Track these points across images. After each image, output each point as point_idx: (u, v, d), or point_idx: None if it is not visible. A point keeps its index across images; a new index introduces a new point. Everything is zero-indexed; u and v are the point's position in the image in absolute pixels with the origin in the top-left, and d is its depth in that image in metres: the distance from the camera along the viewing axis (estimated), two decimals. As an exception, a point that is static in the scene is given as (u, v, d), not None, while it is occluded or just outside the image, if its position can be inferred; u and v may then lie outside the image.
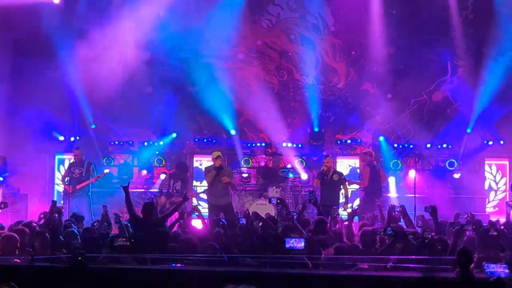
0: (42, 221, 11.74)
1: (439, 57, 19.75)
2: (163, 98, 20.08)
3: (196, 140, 20.40)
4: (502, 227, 11.65)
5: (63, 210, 12.69)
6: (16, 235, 9.81)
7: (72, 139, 19.79)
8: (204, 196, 16.68)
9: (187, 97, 20.17)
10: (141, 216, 11.26)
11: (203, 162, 19.77)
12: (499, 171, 19.72)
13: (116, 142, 20.08)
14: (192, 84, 20.34)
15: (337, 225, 11.89)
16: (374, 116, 20.03)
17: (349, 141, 20.21)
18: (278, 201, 14.03)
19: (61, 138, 19.84)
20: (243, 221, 11.48)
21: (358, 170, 18.88)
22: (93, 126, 19.87)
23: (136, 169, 19.75)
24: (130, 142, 20.07)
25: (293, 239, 8.64)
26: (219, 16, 19.61)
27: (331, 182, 15.69)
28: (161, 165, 19.34)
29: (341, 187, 15.81)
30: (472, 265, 7.92)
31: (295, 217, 12.09)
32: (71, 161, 17.38)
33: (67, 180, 16.66)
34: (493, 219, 14.16)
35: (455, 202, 17.79)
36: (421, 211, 12.75)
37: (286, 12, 20.56)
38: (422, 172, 19.53)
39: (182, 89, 20.31)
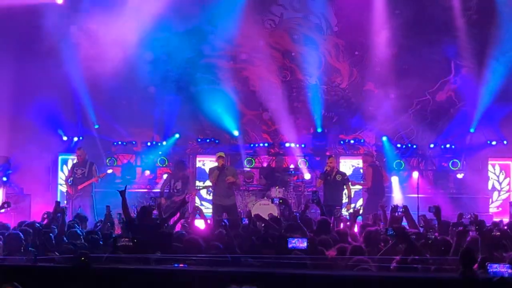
0: (45, 221, 11.76)
1: (442, 57, 19.74)
2: (166, 98, 20.09)
3: (199, 140, 20.41)
4: (506, 227, 11.63)
5: (67, 211, 12.71)
6: (21, 234, 9.84)
7: (76, 139, 19.80)
8: (207, 194, 16.69)
9: (190, 97, 20.18)
10: (137, 220, 11.22)
11: (206, 162, 19.78)
12: (503, 171, 19.70)
13: (119, 142, 20.09)
14: (195, 84, 20.36)
15: (341, 225, 11.87)
16: (377, 116, 20.01)
17: (352, 141, 20.21)
18: (281, 201, 14.05)
19: (65, 138, 19.86)
20: (246, 221, 11.49)
21: (361, 170, 18.89)
22: (96, 126, 19.89)
23: (139, 169, 19.77)
24: (133, 142, 20.09)
25: (296, 239, 8.63)
26: (222, 16, 19.61)
27: (334, 182, 15.71)
28: (164, 166, 19.35)
29: (344, 187, 15.84)
30: (476, 265, 7.91)
31: (298, 217, 12.08)
32: (74, 161, 17.41)
33: (71, 181, 16.70)
34: (497, 219, 14.17)
35: (458, 202, 17.79)
36: (425, 211, 12.74)
37: (289, 12, 20.56)
38: (425, 172, 19.54)
39: (185, 89, 20.32)
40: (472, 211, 13.28)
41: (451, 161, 19.17)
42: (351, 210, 14.77)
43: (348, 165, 19.66)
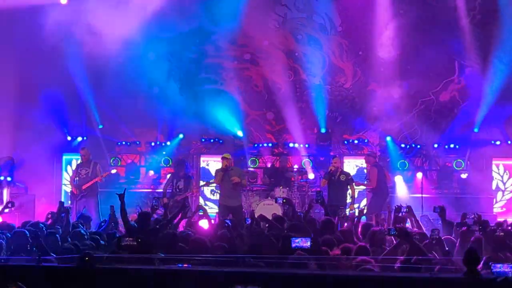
0: (49, 222, 11.78)
1: (446, 57, 19.70)
2: (169, 98, 20.09)
3: (203, 140, 20.41)
4: (510, 228, 11.63)
5: (71, 211, 12.72)
6: (26, 232, 9.87)
7: (80, 139, 19.82)
8: (211, 194, 16.70)
9: (194, 97, 20.19)
10: (136, 225, 11.19)
11: (210, 162, 19.80)
12: (507, 171, 19.67)
13: (123, 142, 20.12)
14: (198, 84, 20.38)
15: (345, 224, 11.87)
16: (381, 116, 20.00)
17: (356, 141, 20.20)
18: (284, 201, 14.05)
19: (69, 138, 19.89)
20: (249, 221, 11.50)
21: (365, 170, 18.86)
22: (100, 126, 19.91)
23: (143, 169, 19.78)
24: (137, 143, 20.11)
25: (299, 239, 8.63)
26: (226, 16, 19.62)
27: (339, 183, 15.73)
28: (168, 166, 19.35)
29: (348, 187, 15.84)
30: (479, 265, 7.90)
31: (301, 217, 12.09)
32: (78, 161, 17.43)
33: (76, 181, 16.73)
34: (501, 219, 14.14)
35: (462, 202, 17.76)
36: (429, 211, 12.75)
37: (293, 12, 20.56)
38: (429, 172, 19.52)
39: (189, 89, 20.33)
40: (476, 211, 13.25)
41: (455, 161, 19.16)
42: (356, 211, 14.76)
43: (352, 165, 19.64)
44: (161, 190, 17.49)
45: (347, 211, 14.89)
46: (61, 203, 12.16)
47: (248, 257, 8.64)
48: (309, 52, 20.45)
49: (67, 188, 19.07)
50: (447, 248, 9.51)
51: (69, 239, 10.53)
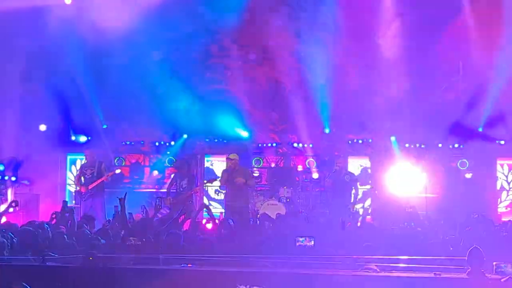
0: (54, 221, 11.79)
1: (450, 56, 19.67)
2: (174, 98, 20.10)
3: (207, 140, 20.42)
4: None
5: (77, 211, 12.74)
6: (32, 229, 9.90)
7: (84, 139, 19.84)
8: (215, 194, 16.72)
9: (198, 97, 20.20)
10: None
11: (214, 162, 19.82)
12: (511, 171, 19.65)
13: (128, 142, 20.14)
14: (203, 84, 20.38)
15: (348, 224, 11.89)
16: (385, 116, 19.97)
17: (360, 141, 20.19)
18: (288, 200, 14.07)
19: (73, 138, 19.92)
20: (253, 221, 11.52)
21: (369, 170, 18.89)
22: (104, 126, 19.93)
23: (147, 169, 19.81)
24: (141, 142, 20.13)
25: (303, 238, 8.64)
26: (230, 15, 19.62)
27: (343, 183, 15.73)
28: (172, 165, 19.37)
29: (352, 187, 15.85)
30: (483, 264, 7.91)
31: (305, 216, 12.11)
32: (83, 162, 17.44)
33: (81, 181, 16.75)
34: (505, 219, 14.13)
35: (466, 202, 17.75)
36: (433, 211, 12.73)
37: (297, 12, 20.53)
38: (434, 172, 19.49)
39: (193, 89, 20.34)
40: (480, 211, 13.27)
41: (460, 161, 19.15)
42: (360, 211, 14.81)
43: (356, 165, 19.65)
44: (165, 190, 17.52)
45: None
46: (65, 202, 12.18)
47: (251, 257, 8.66)
48: (313, 51, 20.42)
49: (71, 187, 19.09)
50: (451, 248, 9.52)
51: (74, 239, 10.56)
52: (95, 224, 12.94)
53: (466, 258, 7.93)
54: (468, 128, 19.49)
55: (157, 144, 20.08)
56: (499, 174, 19.56)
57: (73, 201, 17.42)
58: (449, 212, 15.97)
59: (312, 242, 8.63)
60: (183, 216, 11.99)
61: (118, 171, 17.99)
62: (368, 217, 13.08)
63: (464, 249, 8.59)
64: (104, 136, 19.78)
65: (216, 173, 19.18)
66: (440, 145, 19.54)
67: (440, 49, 19.54)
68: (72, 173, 19.43)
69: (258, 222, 11.44)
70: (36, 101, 19.06)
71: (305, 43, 20.49)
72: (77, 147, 19.67)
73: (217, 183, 17.47)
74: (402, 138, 19.79)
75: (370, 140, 20.20)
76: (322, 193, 18.17)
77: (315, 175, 18.93)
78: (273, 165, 19.64)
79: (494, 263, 7.84)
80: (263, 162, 19.81)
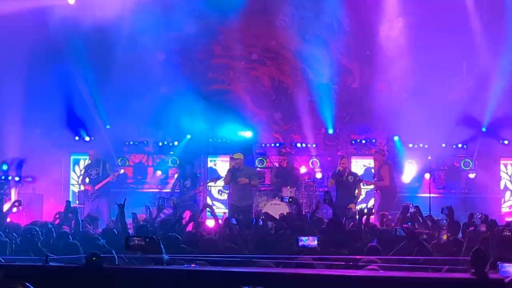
0: (57, 221, 11.80)
1: (454, 56, 19.64)
2: (177, 98, 20.10)
3: (210, 140, 20.41)
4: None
5: (80, 211, 12.74)
6: (37, 228, 9.90)
7: (87, 139, 19.85)
8: (218, 194, 16.71)
9: (201, 97, 20.19)
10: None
11: (217, 162, 19.82)
12: (515, 171, 19.65)
13: (131, 142, 20.14)
14: (206, 84, 20.38)
15: (351, 224, 11.87)
16: (389, 116, 19.95)
17: (363, 141, 20.19)
18: (290, 200, 14.05)
19: (76, 138, 19.93)
20: (256, 221, 11.50)
21: (372, 170, 18.84)
22: (107, 126, 19.93)
23: (150, 169, 19.82)
24: (145, 142, 20.14)
25: (306, 237, 8.62)
26: (233, 16, 19.62)
27: (346, 183, 15.72)
28: (176, 166, 19.38)
29: (356, 187, 15.83)
30: (487, 265, 7.89)
31: (308, 217, 12.09)
32: (86, 162, 17.45)
33: (85, 182, 16.76)
34: (509, 219, 14.11)
35: (470, 202, 17.74)
36: (437, 211, 12.72)
37: (301, 12, 20.54)
38: (437, 172, 19.47)
39: (196, 89, 20.34)
40: (484, 211, 13.23)
41: (463, 160, 19.13)
42: (365, 210, 14.75)
43: (359, 165, 19.65)
44: (169, 190, 17.54)
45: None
46: (68, 203, 12.18)
47: (254, 257, 8.65)
48: (317, 52, 20.42)
49: (74, 187, 19.11)
50: (454, 248, 9.50)
51: (78, 238, 10.56)
52: (99, 224, 12.98)
53: (470, 258, 7.92)
54: (472, 128, 19.45)
55: (160, 144, 20.09)
56: (502, 174, 19.53)
57: (77, 201, 17.43)
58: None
59: (315, 242, 8.61)
60: (187, 216, 11.99)
61: (121, 171, 18.01)
62: (372, 217, 13.03)
63: (468, 249, 8.57)
64: (108, 136, 19.78)
65: (220, 173, 19.19)
66: (443, 145, 19.50)
67: (443, 49, 19.51)
68: (75, 173, 19.44)
69: (261, 222, 11.40)
70: (39, 101, 19.07)
71: (308, 43, 20.50)
72: (80, 147, 19.69)
73: (220, 183, 17.50)
74: (406, 138, 19.75)
75: (373, 140, 20.19)
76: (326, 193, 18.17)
77: (319, 175, 18.93)
78: (276, 165, 19.64)
79: (498, 263, 7.81)
80: (266, 162, 19.81)
